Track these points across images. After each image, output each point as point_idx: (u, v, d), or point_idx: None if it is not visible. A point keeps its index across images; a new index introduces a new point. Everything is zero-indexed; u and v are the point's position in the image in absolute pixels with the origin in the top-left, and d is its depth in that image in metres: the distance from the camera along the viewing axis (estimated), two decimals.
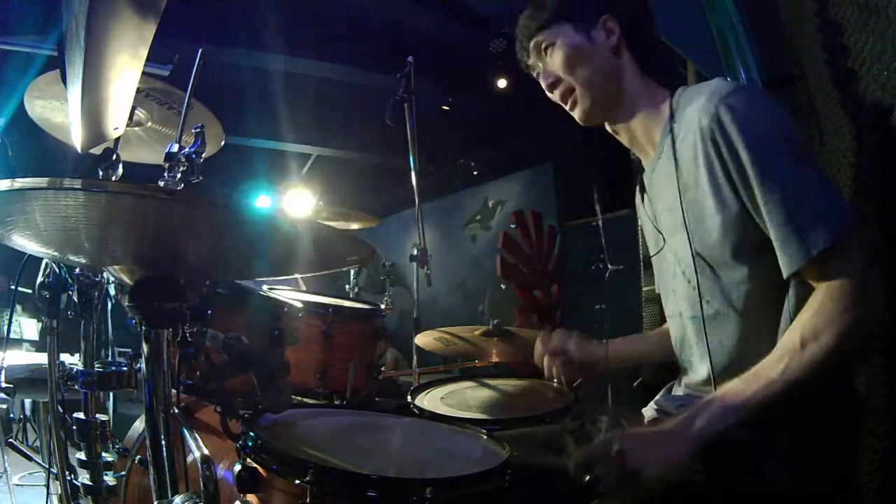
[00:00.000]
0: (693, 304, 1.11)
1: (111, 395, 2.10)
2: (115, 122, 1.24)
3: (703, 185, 1.04)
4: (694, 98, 1.07)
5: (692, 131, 1.04)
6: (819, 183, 0.97)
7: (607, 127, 1.24)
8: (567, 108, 1.20)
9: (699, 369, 1.15)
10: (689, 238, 1.08)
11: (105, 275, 1.42)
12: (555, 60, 1.17)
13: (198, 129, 1.17)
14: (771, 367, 0.93)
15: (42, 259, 1.42)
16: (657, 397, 1.29)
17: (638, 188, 1.33)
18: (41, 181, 0.64)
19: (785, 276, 0.95)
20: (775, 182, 0.94)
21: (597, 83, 1.15)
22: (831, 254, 0.91)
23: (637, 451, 0.89)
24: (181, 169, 1.14)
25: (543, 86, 1.21)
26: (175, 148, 1.14)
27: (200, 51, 1.33)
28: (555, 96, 1.21)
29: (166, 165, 1.13)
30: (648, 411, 1.28)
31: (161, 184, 1.13)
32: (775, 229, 0.94)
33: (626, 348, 1.45)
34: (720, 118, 0.98)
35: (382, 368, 2.16)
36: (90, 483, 1.44)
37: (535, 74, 1.26)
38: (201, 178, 1.15)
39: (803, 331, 0.92)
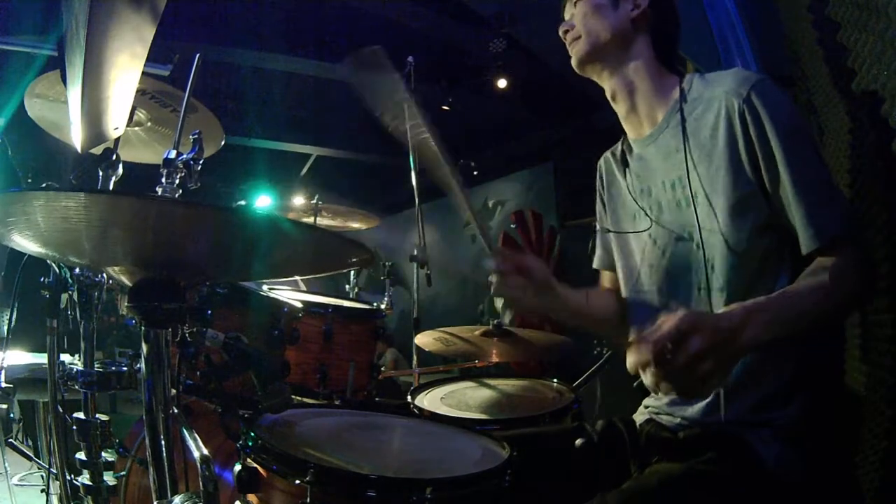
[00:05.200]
0: (699, 278, 1.12)
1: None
2: (115, 122, 1.24)
3: (720, 162, 1.08)
4: (716, 81, 1.13)
5: (714, 110, 1.09)
6: (829, 173, 1.06)
7: (606, 92, 1.28)
8: (570, 50, 1.27)
9: None
10: (696, 212, 1.11)
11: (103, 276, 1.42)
12: (578, 10, 1.26)
13: (195, 136, 1.17)
14: (806, 296, 0.95)
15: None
16: (646, 399, 1.29)
17: (612, 161, 1.35)
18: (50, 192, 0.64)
19: (804, 252, 1.01)
20: (803, 169, 1.01)
21: (599, 36, 1.22)
22: (844, 236, 0.99)
23: (699, 349, 0.80)
24: (179, 175, 1.13)
25: (560, 30, 1.29)
26: (173, 154, 1.13)
27: (198, 54, 1.33)
28: (566, 40, 1.28)
29: (164, 172, 1.13)
30: (639, 416, 1.27)
31: (159, 190, 1.13)
32: (799, 210, 1.00)
33: (580, 302, 1.39)
34: (752, 101, 1.04)
35: (382, 368, 2.16)
36: (90, 483, 1.44)
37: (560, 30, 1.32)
38: (199, 184, 1.15)
39: (831, 275, 0.96)
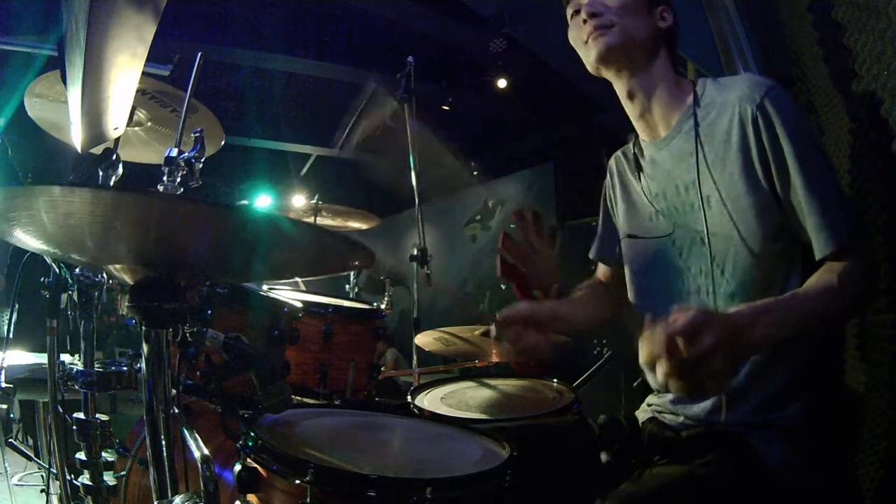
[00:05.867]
0: (709, 282, 1.13)
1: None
2: (115, 122, 1.25)
3: (733, 168, 1.09)
4: (729, 87, 1.14)
5: (727, 115, 1.10)
6: (836, 178, 1.08)
7: (621, 90, 1.24)
8: (591, 38, 1.18)
9: None
10: (705, 217, 1.12)
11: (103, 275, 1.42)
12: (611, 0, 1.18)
13: (197, 134, 1.17)
14: (814, 298, 0.97)
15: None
16: (649, 397, 1.29)
17: (624, 163, 1.35)
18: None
19: (818, 258, 1.01)
20: (816, 175, 1.02)
21: (635, 36, 1.17)
22: (853, 240, 1.00)
23: (710, 345, 0.80)
24: (181, 173, 1.13)
25: (583, 13, 1.18)
26: (174, 152, 1.13)
27: (200, 53, 1.33)
28: (585, 26, 1.18)
29: (165, 170, 1.13)
30: (642, 413, 1.27)
31: (160, 188, 1.13)
32: (813, 215, 1.01)
33: (568, 311, 1.44)
34: (766, 108, 1.05)
35: (382, 368, 2.16)
36: (90, 483, 1.44)
37: (570, 9, 1.23)
38: (200, 182, 1.15)
39: (840, 277, 0.97)
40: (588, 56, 1.20)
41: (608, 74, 1.22)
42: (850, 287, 0.97)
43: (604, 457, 1.19)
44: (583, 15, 1.18)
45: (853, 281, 0.97)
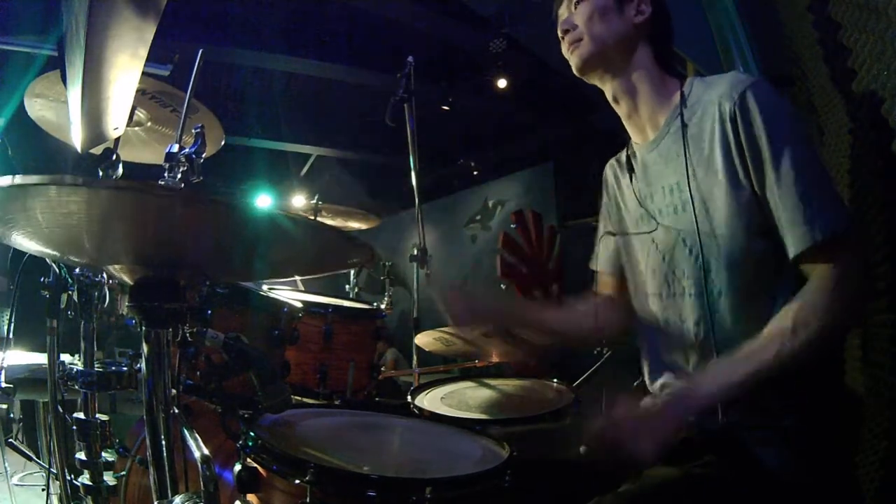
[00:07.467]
0: (698, 282, 1.12)
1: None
2: (115, 122, 1.24)
3: (716, 167, 1.08)
4: (713, 85, 1.13)
5: (710, 114, 1.10)
6: (826, 176, 1.05)
7: (608, 94, 1.27)
8: (569, 54, 1.25)
9: (692, 351, 1.15)
10: (695, 216, 1.11)
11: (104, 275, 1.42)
12: (579, 12, 1.23)
13: (198, 130, 1.17)
14: (764, 349, 0.98)
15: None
16: (643, 403, 1.28)
17: (617, 168, 1.35)
18: (44, 178, 0.64)
19: (791, 256, 1.00)
20: (790, 167, 0.99)
21: (605, 41, 1.20)
22: (832, 244, 0.97)
23: (626, 437, 0.91)
24: (181, 169, 1.13)
25: (559, 32, 1.26)
26: (175, 148, 1.13)
27: (200, 51, 1.33)
28: (563, 44, 1.26)
29: (166, 166, 1.12)
30: None
31: (161, 184, 1.12)
32: (785, 211, 0.99)
33: (550, 318, 1.45)
34: (744, 104, 1.04)
35: (382, 368, 2.16)
36: (90, 483, 1.44)
37: (558, 29, 1.30)
38: (201, 178, 1.15)
39: (795, 317, 0.97)
40: (573, 69, 1.26)
41: (594, 82, 1.26)
42: (841, 288, 0.95)
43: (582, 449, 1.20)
44: (559, 32, 1.25)
45: (846, 279, 0.96)
